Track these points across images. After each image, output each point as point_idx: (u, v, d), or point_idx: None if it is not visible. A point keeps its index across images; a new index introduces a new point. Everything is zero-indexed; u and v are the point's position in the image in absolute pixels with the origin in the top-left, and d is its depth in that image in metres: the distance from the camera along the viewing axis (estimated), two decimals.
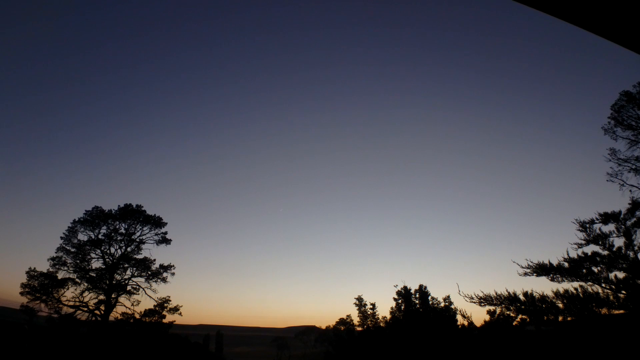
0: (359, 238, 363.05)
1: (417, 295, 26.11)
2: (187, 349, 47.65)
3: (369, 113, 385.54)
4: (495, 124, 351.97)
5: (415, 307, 25.67)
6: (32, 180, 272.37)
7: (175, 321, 44.03)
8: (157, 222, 46.22)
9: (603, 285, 16.73)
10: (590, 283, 17.02)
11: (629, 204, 18.40)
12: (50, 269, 41.76)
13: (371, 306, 28.70)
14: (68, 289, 41.69)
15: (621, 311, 16.30)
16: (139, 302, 43.07)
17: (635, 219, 17.82)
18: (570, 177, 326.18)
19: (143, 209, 46.24)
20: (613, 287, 16.53)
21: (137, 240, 45.42)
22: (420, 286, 26.36)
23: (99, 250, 44.01)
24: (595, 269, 17.36)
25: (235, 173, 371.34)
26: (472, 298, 18.56)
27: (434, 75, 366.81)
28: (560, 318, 17.23)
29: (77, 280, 42.33)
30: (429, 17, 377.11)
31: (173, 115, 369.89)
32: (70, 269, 42.50)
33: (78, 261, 42.91)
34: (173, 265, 45.20)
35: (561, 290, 17.22)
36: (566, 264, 17.92)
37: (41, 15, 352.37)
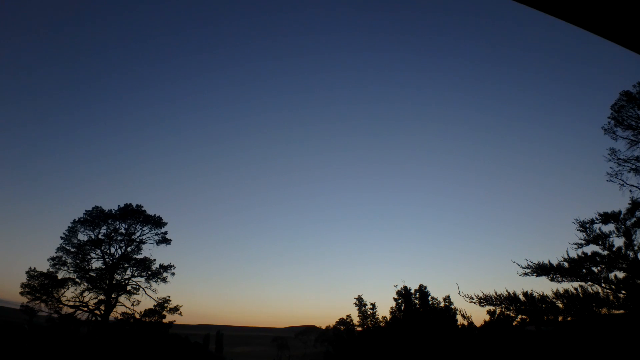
0: (359, 238, 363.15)
1: (417, 295, 26.10)
2: (187, 349, 47.65)
3: (368, 112, 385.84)
4: (495, 123, 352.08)
5: (415, 307, 25.67)
6: (32, 180, 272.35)
7: (175, 321, 44.12)
8: (157, 222, 46.27)
9: (603, 285, 16.74)
10: (590, 283, 17.03)
11: (629, 204, 18.41)
12: (50, 269, 41.84)
13: (371, 306, 28.68)
14: (68, 289, 41.77)
15: (621, 311, 16.31)
16: (139, 302, 43.16)
17: (635, 219, 17.83)
18: (570, 177, 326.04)
19: (143, 209, 46.32)
20: (613, 287, 16.53)
21: (137, 240, 45.48)
22: (420, 286, 26.37)
23: (99, 250, 44.04)
24: (595, 269, 17.37)
25: (235, 173, 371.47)
26: (472, 298, 18.58)
27: (433, 74, 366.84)
28: (560, 318, 17.24)
29: (77, 280, 42.39)
30: (428, 16, 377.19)
31: (173, 115, 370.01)
32: (70, 269, 42.57)
33: (78, 261, 42.94)
34: (173, 265, 45.27)
35: (561, 290, 17.23)
36: (566, 264, 17.93)
37: (41, 15, 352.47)
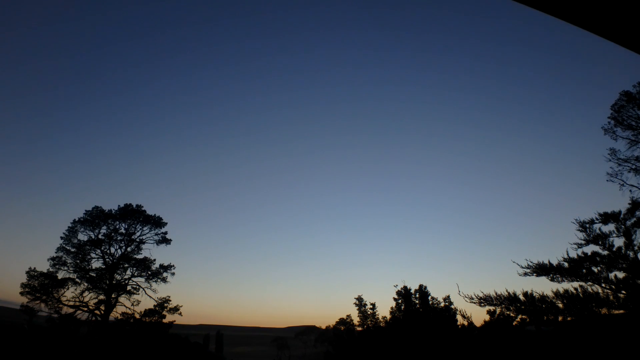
0: (359, 238, 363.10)
1: (417, 295, 26.10)
2: (187, 349, 47.66)
3: (367, 111, 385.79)
4: (495, 123, 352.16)
5: (415, 307, 25.66)
6: (32, 180, 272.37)
7: (175, 321, 44.15)
8: (157, 222, 46.27)
9: (603, 285, 16.73)
10: (590, 283, 17.02)
11: (629, 204, 18.41)
12: (50, 269, 41.85)
13: (371, 306, 28.67)
14: (68, 289, 41.80)
15: (621, 311, 16.31)
16: (139, 302, 43.19)
17: (635, 219, 17.82)
18: (570, 177, 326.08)
19: (143, 209, 46.33)
20: (613, 287, 16.53)
21: (137, 240, 45.50)
22: (420, 286, 26.36)
23: (99, 250, 44.05)
24: (595, 269, 17.36)
25: (235, 173, 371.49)
26: (472, 298, 18.57)
27: (432, 73, 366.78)
28: (560, 318, 17.23)
29: (77, 280, 42.41)
30: (428, 15, 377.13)
31: (173, 114, 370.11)
32: (70, 269, 42.58)
33: (78, 261, 42.95)
34: (173, 265, 45.29)
35: (561, 290, 17.23)
36: (566, 264, 17.92)
37: (41, 14, 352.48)
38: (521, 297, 17.79)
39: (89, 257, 43.66)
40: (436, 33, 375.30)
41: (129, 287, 43.50)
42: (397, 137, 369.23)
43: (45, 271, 41.55)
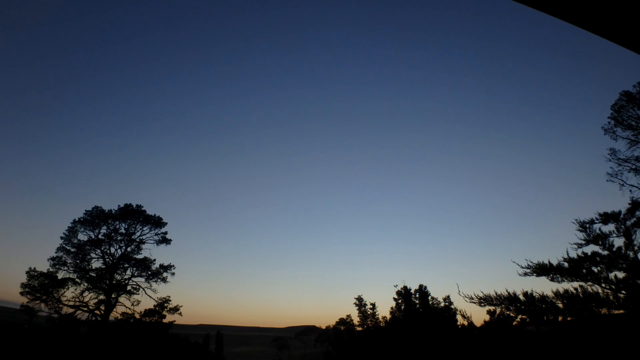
0: (359, 238, 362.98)
1: (417, 295, 26.08)
2: (187, 349, 47.63)
3: (368, 112, 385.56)
4: (496, 123, 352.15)
5: (415, 307, 25.65)
6: (32, 180, 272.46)
7: (175, 321, 44.13)
8: (157, 222, 46.26)
9: (603, 285, 16.73)
10: (590, 283, 17.02)
11: (629, 204, 18.40)
12: (50, 269, 41.85)
13: (371, 306, 28.63)
14: (68, 289, 41.79)
15: (621, 311, 16.30)
16: (139, 302, 43.18)
17: (635, 219, 17.82)
18: (570, 177, 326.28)
19: (143, 209, 46.31)
20: (613, 287, 16.53)
21: (137, 240, 45.48)
22: (420, 286, 26.34)
23: (99, 250, 44.04)
24: (595, 269, 17.37)
25: (235, 173, 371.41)
26: (472, 298, 18.56)
27: (434, 73, 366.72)
28: (560, 318, 17.23)
29: (77, 280, 42.40)
30: (428, 16, 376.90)
31: (173, 114, 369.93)
32: (70, 269, 42.57)
33: (78, 261, 42.95)
34: (173, 265, 45.28)
35: (561, 290, 17.22)
36: (566, 264, 17.92)
37: (40, 14, 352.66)
38: (521, 297, 17.79)
39: (89, 257, 43.68)
40: (436, 32, 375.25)
41: (129, 287, 43.51)
42: (397, 137, 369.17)
43: (45, 271, 41.56)
